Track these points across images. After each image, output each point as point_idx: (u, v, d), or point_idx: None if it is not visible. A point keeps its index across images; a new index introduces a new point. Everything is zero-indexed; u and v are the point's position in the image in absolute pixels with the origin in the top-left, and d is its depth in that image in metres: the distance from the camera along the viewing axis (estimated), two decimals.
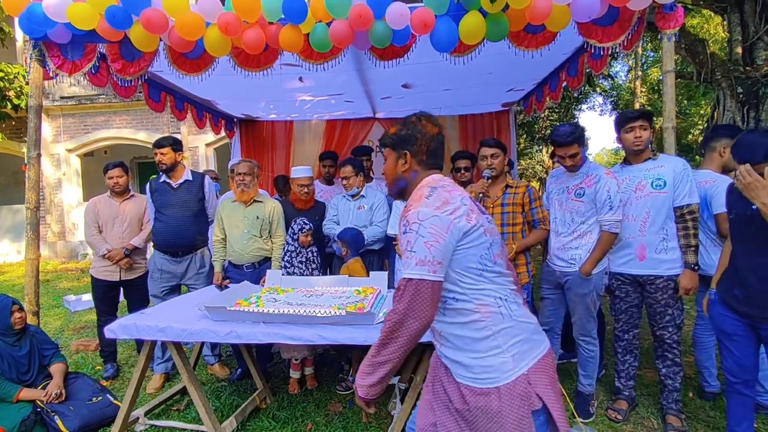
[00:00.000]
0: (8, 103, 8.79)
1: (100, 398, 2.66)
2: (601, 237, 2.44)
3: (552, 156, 4.09)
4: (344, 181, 3.38)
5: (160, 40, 2.84)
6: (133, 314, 2.35)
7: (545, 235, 2.70)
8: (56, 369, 2.68)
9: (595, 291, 2.50)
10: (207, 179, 3.33)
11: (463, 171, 3.38)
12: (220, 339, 2.07)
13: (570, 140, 2.42)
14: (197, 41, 2.78)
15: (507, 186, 2.72)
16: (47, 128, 10.07)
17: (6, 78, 8.47)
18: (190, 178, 3.24)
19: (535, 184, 21.30)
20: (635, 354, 2.62)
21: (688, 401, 2.74)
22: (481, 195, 2.67)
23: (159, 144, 3.18)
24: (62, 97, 9.89)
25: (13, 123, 9.52)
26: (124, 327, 2.17)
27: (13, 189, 11.42)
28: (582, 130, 2.49)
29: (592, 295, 2.50)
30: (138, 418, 2.52)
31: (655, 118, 4.08)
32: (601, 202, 2.40)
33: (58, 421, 2.47)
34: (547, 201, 2.75)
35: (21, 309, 2.64)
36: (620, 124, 2.50)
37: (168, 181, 3.17)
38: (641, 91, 16.43)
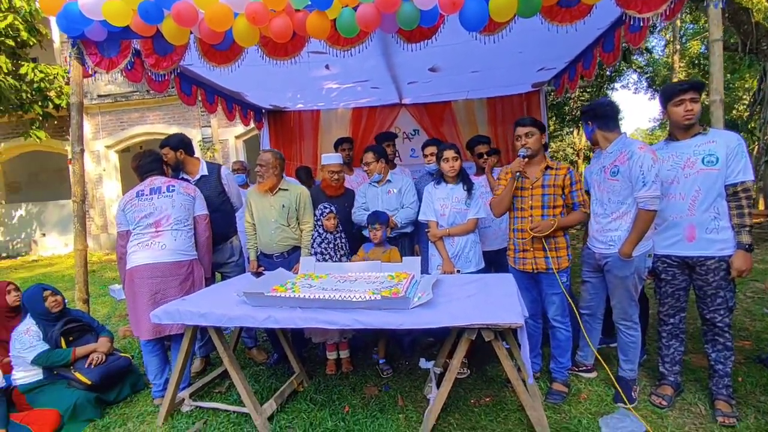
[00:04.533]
0: (50, 103, 9.22)
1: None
2: (637, 215, 2.33)
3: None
4: (365, 167, 3.37)
5: (191, 33, 2.89)
6: (176, 300, 2.44)
7: (585, 218, 2.61)
8: (103, 339, 2.88)
9: (637, 274, 2.40)
10: (223, 170, 3.30)
11: (485, 156, 3.31)
12: (258, 324, 2.12)
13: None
14: (226, 32, 2.81)
15: (547, 167, 2.62)
16: (87, 126, 10.51)
17: (46, 79, 8.86)
18: (206, 173, 3.23)
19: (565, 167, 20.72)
20: (681, 339, 2.52)
21: (737, 386, 2.62)
22: (518, 174, 2.60)
23: (160, 145, 3.23)
24: (99, 96, 10.29)
25: (56, 122, 10.00)
26: (168, 312, 2.26)
27: (58, 185, 12.04)
28: (589, 109, 2.55)
29: (633, 278, 2.41)
30: (183, 399, 2.63)
31: None
32: (635, 178, 2.29)
33: (77, 374, 2.64)
34: (587, 184, 2.67)
35: (54, 293, 2.79)
36: (668, 97, 2.35)
37: (186, 177, 3.20)
38: (680, 66, 15.58)
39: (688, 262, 2.37)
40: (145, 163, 2.90)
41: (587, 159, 18.69)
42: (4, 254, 10.95)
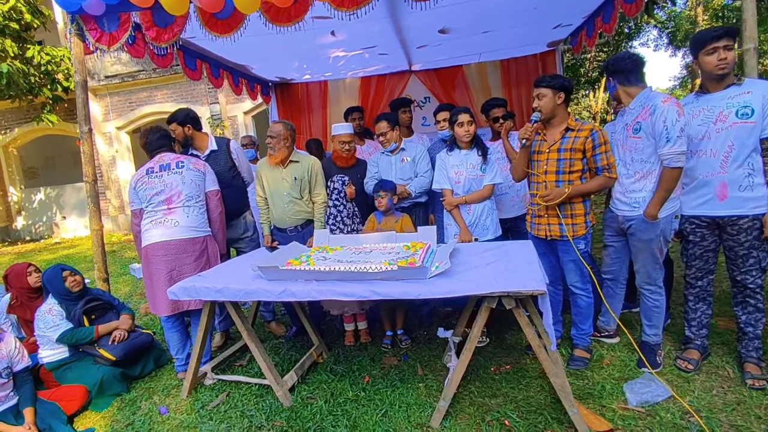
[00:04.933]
0: (58, 86, 9.19)
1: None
2: (662, 174, 2.21)
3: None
4: (381, 138, 3.25)
5: (190, 2, 2.78)
6: (192, 276, 2.44)
7: (610, 183, 2.44)
8: (125, 316, 2.93)
9: (663, 236, 2.30)
10: (233, 144, 3.24)
11: (501, 120, 3.15)
12: (275, 297, 2.10)
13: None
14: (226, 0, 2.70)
15: (567, 129, 2.44)
16: (96, 108, 10.51)
17: (53, 61, 8.80)
18: (216, 148, 3.17)
19: None
20: (709, 302, 2.44)
21: None
22: (524, 141, 2.47)
23: (167, 121, 3.16)
24: (106, 77, 10.21)
25: (66, 105, 10.01)
26: (185, 289, 2.25)
27: (73, 168, 12.19)
28: (610, 63, 2.41)
29: (659, 241, 2.31)
30: (206, 373, 2.67)
31: None
32: (658, 134, 2.16)
33: (101, 351, 2.71)
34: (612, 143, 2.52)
35: (74, 273, 2.82)
36: (699, 45, 2.17)
37: (196, 153, 3.15)
38: (703, 19, 14.78)
39: (719, 222, 2.26)
40: (153, 139, 2.86)
41: (604, 122, 18.12)
42: (27, 238, 11.24)
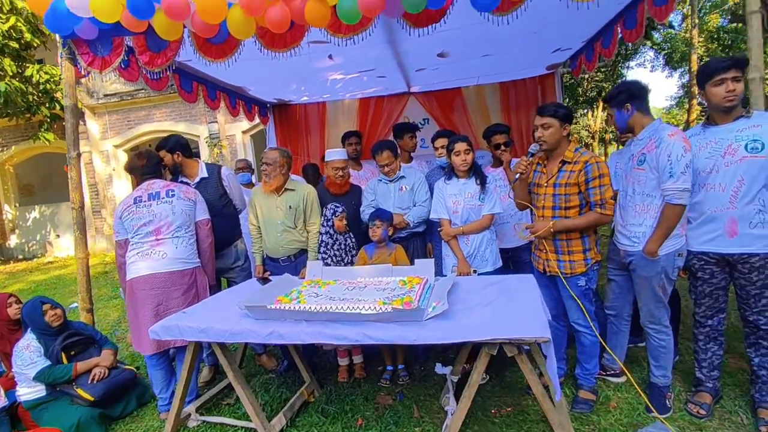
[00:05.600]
0: (57, 104, 9.18)
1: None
2: (663, 210, 2.11)
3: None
4: (385, 168, 3.15)
5: (184, 27, 2.73)
6: (176, 314, 2.31)
7: (603, 220, 2.28)
8: (106, 352, 2.79)
9: (664, 274, 2.19)
10: (224, 170, 3.14)
11: (503, 147, 3.06)
12: (262, 339, 1.98)
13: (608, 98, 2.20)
14: (221, 24, 2.64)
15: (564, 162, 2.32)
16: (95, 126, 10.50)
17: (52, 80, 8.80)
18: (206, 175, 3.07)
19: None
20: (720, 342, 2.31)
21: None
22: (518, 175, 2.37)
23: (156, 147, 3.07)
24: (105, 95, 10.23)
25: (64, 123, 9.98)
26: (167, 328, 2.13)
27: (64, 188, 12.11)
28: (625, 88, 2.26)
29: (660, 279, 2.20)
30: (190, 414, 2.52)
31: None
32: (662, 168, 2.07)
33: (79, 391, 2.56)
34: (615, 176, 2.43)
35: (54, 306, 2.70)
36: (707, 76, 2.09)
37: (186, 180, 3.06)
38: (699, 41, 14.93)
39: (729, 259, 2.16)
40: (139, 165, 2.76)
41: (602, 141, 18.18)
42: (20, 256, 11.10)
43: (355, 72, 4.16)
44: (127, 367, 2.85)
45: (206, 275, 2.80)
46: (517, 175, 2.38)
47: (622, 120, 2.29)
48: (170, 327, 2.12)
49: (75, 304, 3.13)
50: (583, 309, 2.33)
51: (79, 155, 3.12)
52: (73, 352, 2.69)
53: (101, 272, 8.00)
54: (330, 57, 3.55)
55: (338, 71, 4.09)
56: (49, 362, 2.55)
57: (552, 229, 2.31)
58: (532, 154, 2.36)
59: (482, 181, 2.78)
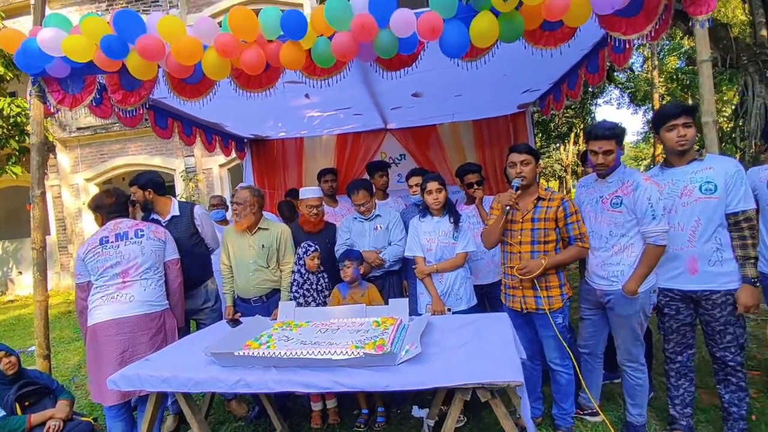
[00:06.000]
0: (26, 138, 8.98)
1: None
2: (645, 251, 2.18)
3: (583, 159, 3.81)
4: (361, 208, 3.15)
5: (159, 66, 2.74)
6: (137, 362, 2.20)
7: (583, 254, 2.40)
8: (62, 403, 2.60)
9: (642, 311, 2.24)
10: (197, 209, 3.08)
11: (475, 186, 3.11)
12: (228, 388, 1.89)
13: (609, 133, 2.21)
14: (196, 65, 2.66)
15: (539, 198, 2.42)
16: (65, 159, 10.27)
17: (23, 113, 8.65)
18: (178, 213, 3.00)
19: (553, 184, 20.81)
20: (690, 378, 2.34)
21: (752, 425, 2.43)
22: (507, 209, 2.42)
23: (129, 183, 3.02)
24: (78, 128, 10.07)
25: None
26: (127, 377, 2.01)
27: (30, 222, 11.65)
28: (623, 130, 2.27)
29: (639, 316, 2.24)
30: None
31: None
32: (642, 211, 2.15)
33: None
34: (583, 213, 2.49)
35: (9, 353, 2.54)
36: (660, 122, 2.23)
37: (157, 218, 2.99)
38: (659, 81, 15.89)
39: (692, 296, 2.22)
40: (108, 204, 2.67)
41: (575, 174, 18.81)
42: None
43: (331, 110, 4.23)
44: (84, 418, 2.67)
45: (175, 317, 2.70)
46: (507, 209, 2.41)
47: (618, 158, 2.33)
48: (131, 376, 2.01)
49: (33, 348, 2.95)
50: (566, 346, 2.36)
51: (43, 193, 3.03)
52: (27, 403, 2.51)
53: (64, 312, 7.62)
54: (306, 96, 3.61)
55: (315, 109, 4.15)
56: (2, 412, 2.38)
57: (543, 267, 2.33)
58: (517, 188, 2.40)
59: (456, 220, 2.81)
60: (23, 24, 9.63)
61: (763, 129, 2.86)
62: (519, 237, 2.43)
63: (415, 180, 3.25)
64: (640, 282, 2.18)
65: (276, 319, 2.60)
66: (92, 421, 2.73)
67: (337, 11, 2.32)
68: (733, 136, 9.50)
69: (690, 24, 2.65)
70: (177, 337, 2.64)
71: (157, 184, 3.02)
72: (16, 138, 8.91)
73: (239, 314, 2.93)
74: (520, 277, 2.37)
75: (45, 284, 2.94)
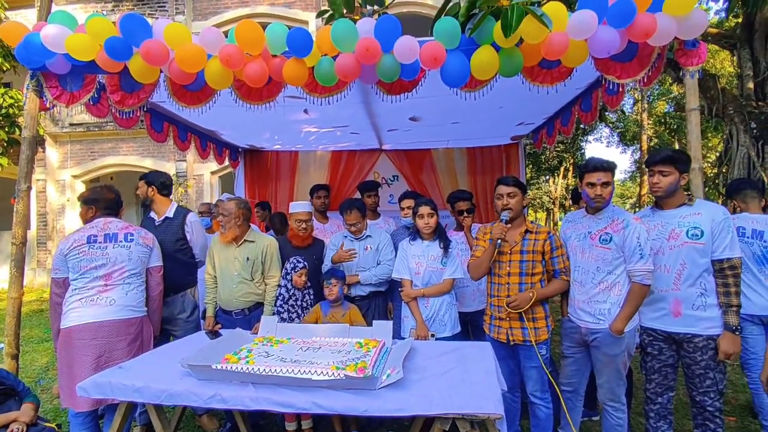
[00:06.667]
0: (17, 129, 8.85)
1: None
2: (631, 290, 2.21)
3: (574, 196, 3.88)
4: (353, 228, 3.15)
5: (161, 71, 2.75)
6: (110, 369, 2.12)
7: (565, 287, 2.44)
8: (27, 406, 2.46)
9: (627, 351, 2.25)
10: (190, 217, 3.05)
11: (465, 214, 3.14)
12: (202, 403, 1.84)
13: (607, 165, 2.27)
14: (198, 73, 2.68)
15: (527, 231, 2.46)
16: (54, 154, 10.11)
17: (16, 104, 8.55)
18: (171, 216, 3.00)
19: (541, 215, 21.09)
20: (669, 420, 2.34)
21: None
22: (498, 242, 2.43)
23: (140, 177, 3.07)
24: (71, 124, 9.96)
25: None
26: (98, 385, 1.94)
27: (11, 215, 11.38)
28: (616, 165, 2.34)
29: (623, 355, 2.25)
30: None
31: None
32: (631, 250, 2.19)
33: None
34: (569, 247, 2.53)
35: None
36: (646, 165, 2.32)
37: (152, 216, 2.99)
38: (648, 124, 16.39)
39: (675, 337, 2.24)
40: (107, 198, 2.64)
41: (563, 207, 19.11)
42: None
43: (329, 127, 4.27)
44: (47, 424, 2.55)
45: (152, 324, 2.63)
46: (499, 242, 2.42)
47: (612, 192, 2.37)
48: (102, 384, 1.94)
49: (1, 345, 2.84)
50: (551, 378, 2.36)
51: (29, 188, 2.96)
52: None
53: (36, 310, 7.38)
54: (305, 111, 3.64)
55: (312, 125, 4.18)
56: None
57: (532, 300, 2.35)
58: (507, 221, 2.43)
59: (446, 245, 2.81)
60: (26, 16, 9.61)
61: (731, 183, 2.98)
62: (507, 268, 2.45)
63: (408, 203, 3.27)
64: (627, 321, 2.20)
65: (257, 334, 2.55)
66: (56, 428, 2.61)
67: (344, 33, 2.37)
68: (716, 182, 9.81)
69: (680, 73, 2.76)
70: (152, 346, 2.56)
71: (163, 184, 3.05)
72: (6, 129, 8.77)
73: (219, 326, 2.87)
74: (509, 309, 2.38)
75: (21, 281, 2.85)
